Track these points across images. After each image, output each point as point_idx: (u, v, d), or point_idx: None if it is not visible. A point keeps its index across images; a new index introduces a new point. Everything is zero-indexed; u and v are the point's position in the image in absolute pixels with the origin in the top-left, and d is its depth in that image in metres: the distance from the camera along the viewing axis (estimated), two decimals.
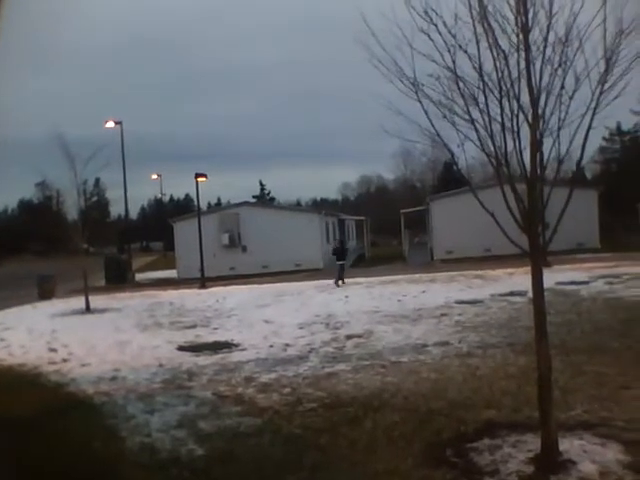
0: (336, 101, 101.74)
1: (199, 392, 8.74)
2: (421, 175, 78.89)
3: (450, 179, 55.78)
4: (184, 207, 78.21)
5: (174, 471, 5.84)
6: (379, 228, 64.18)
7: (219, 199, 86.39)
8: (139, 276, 38.22)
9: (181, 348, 12.40)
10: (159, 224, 60.91)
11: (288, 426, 6.91)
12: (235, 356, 11.22)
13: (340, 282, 24.02)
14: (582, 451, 5.50)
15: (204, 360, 10.99)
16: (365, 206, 68.92)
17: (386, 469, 5.47)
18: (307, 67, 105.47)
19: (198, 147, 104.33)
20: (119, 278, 34.43)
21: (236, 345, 12.29)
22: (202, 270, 28.63)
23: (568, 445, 5.56)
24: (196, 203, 32.97)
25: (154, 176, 67.24)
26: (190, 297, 23.01)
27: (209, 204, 77.20)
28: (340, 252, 26.18)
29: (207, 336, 13.66)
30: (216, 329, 14.60)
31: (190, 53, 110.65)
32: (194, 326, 15.30)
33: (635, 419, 6.24)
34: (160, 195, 78.10)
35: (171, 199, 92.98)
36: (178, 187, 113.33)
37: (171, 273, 37.15)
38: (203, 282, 27.84)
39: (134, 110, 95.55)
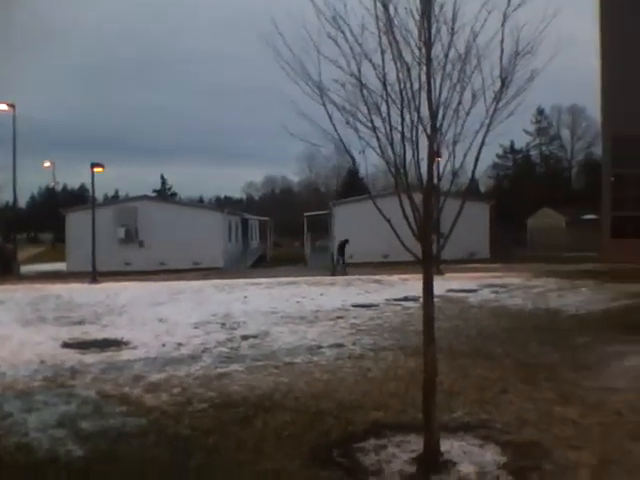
0: (242, 99, 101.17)
1: (82, 391, 8.34)
2: (326, 179, 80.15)
3: (354, 185, 56.95)
4: (78, 198, 74.76)
5: (50, 472, 5.54)
6: (283, 229, 64.46)
7: (117, 191, 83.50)
8: (25, 268, 36.12)
9: (66, 345, 11.79)
10: (50, 214, 57.99)
11: (176, 426, 6.74)
12: (124, 354, 10.82)
13: (335, 274, 27.88)
14: (462, 452, 5.74)
15: (90, 358, 10.52)
16: (269, 207, 68.96)
17: (273, 469, 5.45)
18: (214, 62, 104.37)
19: (97, 137, 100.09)
20: (2, 269, 32.43)
21: (126, 343, 11.85)
22: (94, 264, 27.49)
23: (449, 446, 5.78)
24: (91, 194, 31.59)
25: (47, 164, 63.92)
26: (79, 292, 21.99)
27: (106, 196, 74.44)
28: (340, 248, 30.50)
29: (95, 333, 13.08)
30: (106, 326, 14.02)
31: (91, 41, 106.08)
32: (82, 322, 14.62)
33: (512, 422, 6.58)
34: (52, 184, 74.32)
35: (65, 189, 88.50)
36: (73, 177, 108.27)
37: (60, 266, 35.42)
38: (94, 276, 26.74)
39: (29, 95, 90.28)
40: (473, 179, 7.72)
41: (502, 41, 5.36)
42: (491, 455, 5.68)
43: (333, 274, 28.06)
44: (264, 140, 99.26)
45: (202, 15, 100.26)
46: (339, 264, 30.17)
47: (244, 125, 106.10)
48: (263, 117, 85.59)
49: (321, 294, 19.64)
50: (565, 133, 71.28)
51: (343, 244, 30.91)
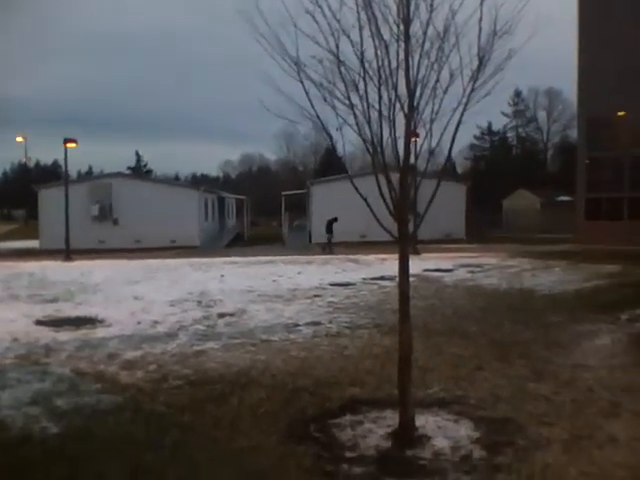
0: (220, 75, 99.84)
1: (56, 368, 8.27)
2: (303, 158, 79.89)
3: (331, 164, 56.76)
4: (52, 174, 73.42)
5: (25, 449, 5.50)
6: (260, 208, 64.10)
7: (91, 168, 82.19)
8: None
9: (39, 322, 11.66)
10: (23, 190, 56.96)
11: (151, 403, 6.72)
12: (99, 332, 10.74)
13: (326, 251, 28.78)
14: (437, 427, 5.83)
15: (64, 336, 10.42)
16: (246, 185, 68.50)
17: (249, 446, 5.47)
18: (191, 37, 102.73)
19: (70, 112, 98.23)
20: None
21: (101, 321, 11.76)
22: (67, 241, 27.15)
23: (424, 421, 5.87)
24: (64, 170, 31.04)
25: (19, 139, 62.60)
26: (53, 270, 21.72)
27: (79, 172, 73.27)
28: (328, 226, 31.00)
29: (69, 311, 12.95)
30: (80, 304, 13.88)
31: (65, 11, 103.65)
32: (55, 300, 14.46)
33: (485, 398, 6.69)
34: (24, 159, 72.81)
35: (37, 164, 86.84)
36: (46, 152, 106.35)
37: (33, 243, 34.89)
38: (68, 254, 26.41)
39: (1, 69, 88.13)
40: (450, 158, 7.73)
41: (480, 20, 5.34)
42: (465, 430, 5.77)
43: (329, 253, 28.30)
44: (241, 118, 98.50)
45: None
46: (330, 242, 30.36)
47: (221, 102, 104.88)
48: (240, 94, 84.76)
49: (298, 273, 19.67)
50: (542, 115, 71.90)
51: (331, 222, 30.96)
